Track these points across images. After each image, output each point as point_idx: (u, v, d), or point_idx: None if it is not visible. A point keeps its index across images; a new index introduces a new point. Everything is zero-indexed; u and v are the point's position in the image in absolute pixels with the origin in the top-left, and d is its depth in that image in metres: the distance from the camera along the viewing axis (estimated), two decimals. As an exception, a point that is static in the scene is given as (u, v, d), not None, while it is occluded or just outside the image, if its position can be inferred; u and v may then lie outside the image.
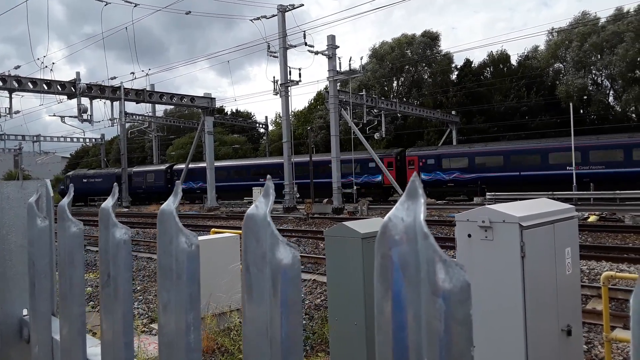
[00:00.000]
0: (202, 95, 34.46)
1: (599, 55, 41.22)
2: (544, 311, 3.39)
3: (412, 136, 46.81)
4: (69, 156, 78.73)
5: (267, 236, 0.54)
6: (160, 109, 51.85)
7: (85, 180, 48.30)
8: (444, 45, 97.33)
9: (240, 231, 7.91)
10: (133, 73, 33.18)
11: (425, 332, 0.40)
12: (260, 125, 60.05)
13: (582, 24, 41.78)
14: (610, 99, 43.33)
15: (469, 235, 3.46)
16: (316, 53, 28.51)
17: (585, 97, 41.70)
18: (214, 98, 34.51)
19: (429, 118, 40.66)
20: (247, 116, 68.21)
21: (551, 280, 3.51)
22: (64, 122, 31.57)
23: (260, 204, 0.56)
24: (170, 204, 0.69)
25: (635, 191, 24.41)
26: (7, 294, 1.27)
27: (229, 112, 65.34)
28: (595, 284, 7.96)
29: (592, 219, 17.98)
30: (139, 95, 31.50)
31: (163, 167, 46.55)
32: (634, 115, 41.66)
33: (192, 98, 33.74)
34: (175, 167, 45.19)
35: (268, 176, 0.62)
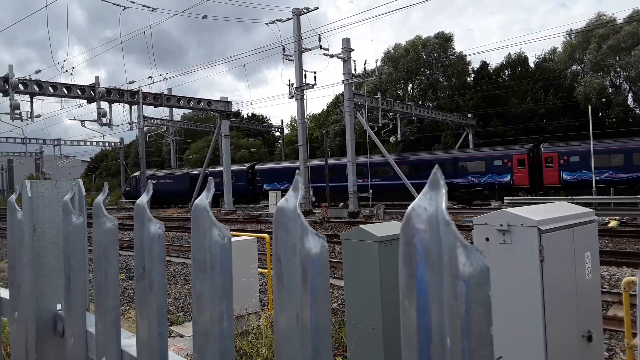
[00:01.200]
0: (218, 99, 34.83)
1: (617, 57, 40.56)
2: (563, 316, 3.37)
3: (429, 139, 46.58)
4: (89, 160, 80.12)
5: (297, 227, 0.58)
6: (178, 113, 52.54)
7: (154, 182, 47.88)
8: (461, 47, 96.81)
9: (256, 234, 7.98)
10: (151, 77, 33.71)
11: (447, 314, 0.43)
12: (276, 129, 60.37)
13: (600, 26, 41.16)
14: (630, 101, 42.56)
15: (487, 239, 3.45)
16: (331, 56, 28.61)
17: (604, 100, 41.04)
18: (230, 102, 34.83)
19: (445, 121, 40.40)
20: (263, 120, 68.68)
21: (571, 285, 3.48)
22: (83, 125, 32.15)
23: (290, 197, 0.60)
24: (204, 199, 0.73)
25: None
26: (42, 290, 1.33)
27: (245, 116, 65.91)
28: (616, 290, 7.83)
29: (613, 224, 17.67)
30: (157, 99, 31.95)
31: (244, 166, 44.45)
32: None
33: (209, 102, 34.10)
34: (257, 166, 43.06)
35: (297, 171, 0.65)
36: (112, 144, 58.20)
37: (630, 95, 42.65)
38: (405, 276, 0.47)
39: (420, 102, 47.08)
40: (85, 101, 28.90)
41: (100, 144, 55.29)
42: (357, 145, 29.30)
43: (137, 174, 46.39)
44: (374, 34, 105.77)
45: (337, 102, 49.34)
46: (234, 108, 38.21)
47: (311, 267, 0.58)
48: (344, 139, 32.87)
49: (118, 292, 1.00)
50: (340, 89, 35.89)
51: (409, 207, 0.48)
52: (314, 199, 30.56)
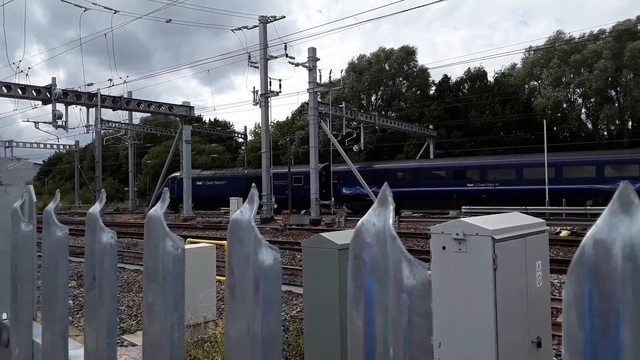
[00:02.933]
0: (181, 103, 34.27)
1: (571, 75, 42.59)
2: (514, 323, 3.48)
3: (392, 149, 47.38)
4: (42, 162, 76.99)
5: (251, 239, 0.59)
6: (138, 117, 51.28)
7: (199, 183, 39.85)
8: (426, 60, 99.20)
9: (216, 241, 7.87)
10: (110, 80, 32.81)
11: (391, 325, 0.45)
12: (239, 135, 59.89)
13: (561, 43, 43.16)
14: (583, 116, 44.72)
15: (444, 248, 3.54)
16: (297, 65, 28.71)
17: (559, 114, 42.96)
18: (193, 107, 34.33)
19: (408, 131, 41.23)
20: (226, 125, 68.04)
21: (522, 292, 3.61)
22: (37, 127, 30.93)
23: (245, 209, 0.61)
24: (158, 210, 0.73)
25: (605, 207, 25.03)
26: (-14, 299, 1.27)
27: (207, 121, 65.11)
28: (565, 297, 8.16)
29: (564, 233, 18.43)
30: (116, 102, 31.12)
31: (318, 168, 40.83)
32: (605, 133, 43.05)
33: (171, 106, 33.49)
34: (334, 168, 36.50)
35: (253, 184, 0.66)
36: (67, 146, 56.19)
37: (583, 110, 44.83)
38: (354, 288, 0.49)
39: (383, 112, 47.90)
40: (40, 102, 27.82)
41: (55, 146, 53.27)
42: (320, 153, 29.44)
43: (177, 174, 40.06)
44: (344, 44, 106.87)
45: (303, 109, 49.58)
46: (197, 113, 37.65)
47: (264, 279, 0.58)
48: (307, 145, 33.00)
49: (67, 302, 0.97)
50: (305, 97, 36.03)
51: (359, 222, 0.49)
52: (275, 206, 30.43)
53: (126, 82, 33.25)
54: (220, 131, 57.51)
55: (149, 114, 45.75)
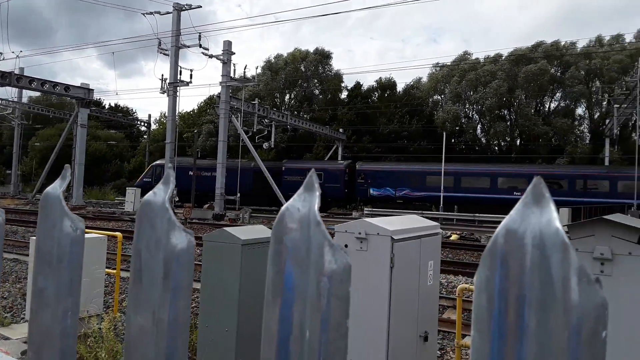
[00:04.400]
0: (79, 84, 31.71)
1: (471, 92, 46.14)
2: (405, 318, 3.69)
3: (302, 149, 47.89)
4: None
5: (164, 222, 0.56)
6: (30, 95, 46.59)
7: (207, 174, 33.70)
8: (341, 65, 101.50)
9: (106, 232, 7.38)
10: (1, 53, 29.43)
11: (309, 308, 0.45)
12: (142, 123, 56.82)
13: (465, 63, 46.58)
14: (478, 131, 48.60)
15: (346, 246, 3.65)
16: (210, 56, 27.92)
17: (457, 128, 46.29)
18: (92, 89, 31.94)
19: (318, 133, 41.93)
20: (128, 112, 64.20)
21: (414, 290, 3.83)
22: None
23: (159, 190, 0.57)
24: (57, 187, 0.66)
25: (491, 215, 27.52)
26: None
27: (107, 106, 60.96)
28: (451, 296, 8.81)
29: (454, 237, 19.89)
30: (5, 78, 28.00)
31: (340, 165, 34.29)
32: (496, 147, 47.16)
33: (67, 87, 30.86)
34: (361, 166, 33.55)
35: (169, 164, 0.63)
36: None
37: (479, 126, 48.67)
38: (273, 273, 0.48)
39: (296, 113, 48.24)
40: None
41: None
42: (229, 148, 28.89)
43: (160, 161, 36.19)
44: (264, 41, 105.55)
45: (212, 102, 48.29)
46: (97, 96, 35.11)
47: (176, 263, 0.56)
48: (216, 139, 32.21)
49: None
50: (216, 89, 35.14)
51: (283, 207, 0.49)
52: (177, 199, 29.33)
53: (19, 57, 30.02)
54: (122, 117, 54.10)
55: (41, 94, 41.76)
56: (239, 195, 30.81)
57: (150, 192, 0.58)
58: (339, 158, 41.50)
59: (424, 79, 51.67)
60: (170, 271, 0.56)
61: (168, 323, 0.56)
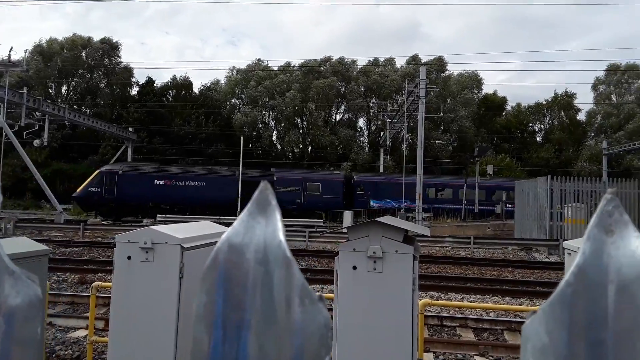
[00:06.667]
0: None
1: (266, 99, 47.92)
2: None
3: (86, 148, 42.86)
4: None
5: None
6: None
7: (181, 183, 29.96)
8: (132, 58, 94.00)
9: None
10: None
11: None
12: None
13: (258, 69, 47.97)
14: (274, 137, 50.73)
15: (129, 257, 3.27)
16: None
17: (255, 133, 47.52)
18: None
19: (104, 131, 38.10)
20: None
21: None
22: None
23: None
24: None
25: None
26: None
27: None
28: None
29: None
30: None
31: (338, 175, 33.89)
32: (290, 154, 49.90)
33: None
34: (358, 177, 33.45)
35: None
36: None
37: (275, 132, 50.80)
38: None
39: (76, 107, 42.90)
40: None
41: None
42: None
43: (108, 167, 30.94)
44: (45, 21, 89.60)
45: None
46: None
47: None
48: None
49: None
50: (-30, 72, 29.00)
51: None
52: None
53: None
54: None
55: None
56: None
57: None
58: (129, 159, 38.50)
59: (222, 82, 51.79)
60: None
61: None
